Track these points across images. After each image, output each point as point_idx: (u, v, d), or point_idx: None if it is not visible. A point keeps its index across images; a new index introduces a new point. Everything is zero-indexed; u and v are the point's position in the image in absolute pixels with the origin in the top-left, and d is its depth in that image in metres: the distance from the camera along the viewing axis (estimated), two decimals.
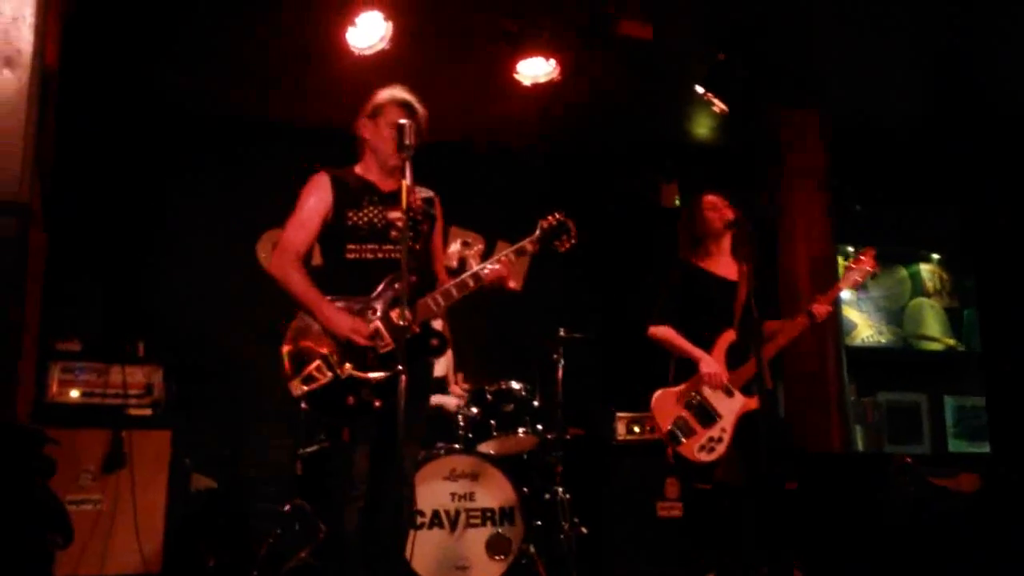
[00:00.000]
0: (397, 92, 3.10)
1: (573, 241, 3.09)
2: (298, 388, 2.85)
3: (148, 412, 4.13)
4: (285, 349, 2.91)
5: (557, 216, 3.10)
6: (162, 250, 5.74)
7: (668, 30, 4.90)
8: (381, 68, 4.62)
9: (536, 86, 5.17)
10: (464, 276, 2.98)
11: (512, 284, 3.09)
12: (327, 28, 4.75)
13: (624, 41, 4.88)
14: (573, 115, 5.90)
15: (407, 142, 2.74)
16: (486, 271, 2.97)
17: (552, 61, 5.08)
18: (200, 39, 5.05)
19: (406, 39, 4.77)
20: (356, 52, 4.78)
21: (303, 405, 2.94)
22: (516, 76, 5.13)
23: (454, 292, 2.95)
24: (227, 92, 5.70)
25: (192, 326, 5.46)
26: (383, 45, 4.75)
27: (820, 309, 3.66)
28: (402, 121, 2.80)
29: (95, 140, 5.46)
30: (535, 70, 5.12)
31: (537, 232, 3.09)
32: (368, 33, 4.75)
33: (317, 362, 2.87)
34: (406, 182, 2.72)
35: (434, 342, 2.99)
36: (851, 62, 5.44)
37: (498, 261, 2.99)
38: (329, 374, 2.86)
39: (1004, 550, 3.87)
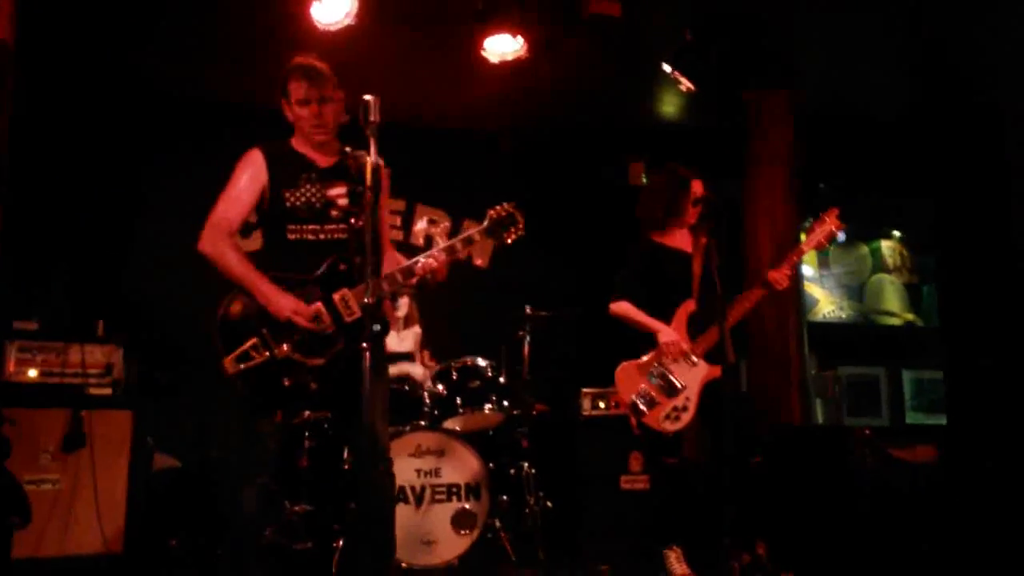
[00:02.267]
0: (297, 62, 2.95)
1: (520, 234, 3.00)
2: (232, 366, 2.77)
3: (108, 392, 4.07)
4: (219, 325, 2.82)
5: (506, 207, 3.00)
6: (127, 230, 5.66)
7: (636, 8, 4.89)
8: (348, 46, 4.57)
9: (503, 63, 5.13)
10: (407, 264, 2.88)
11: (479, 262, 3.05)
12: (293, 4, 4.68)
13: (592, 18, 4.86)
14: (540, 93, 5.87)
15: (371, 118, 2.64)
16: (419, 264, 2.86)
17: (519, 38, 5.04)
18: (165, 17, 4.96)
19: (372, 15, 4.71)
20: (321, 28, 4.72)
21: (238, 385, 2.82)
22: (483, 53, 5.10)
23: (398, 277, 2.86)
24: (193, 71, 5.61)
25: (155, 305, 5.39)
26: (348, 20, 4.69)
27: (775, 275, 3.66)
28: (367, 97, 2.74)
29: (60, 118, 5.35)
30: (502, 47, 5.08)
31: (485, 222, 2.99)
32: (333, 8, 4.69)
33: (253, 340, 2.78)
34: (370, 159, 2.62)
35: (375, 327, 2.92)
36: (822, 45, 5.47)
37: (431, 256, 2.88)
38: (265, 353, 2.77)
39: (959, 519, 3.97)
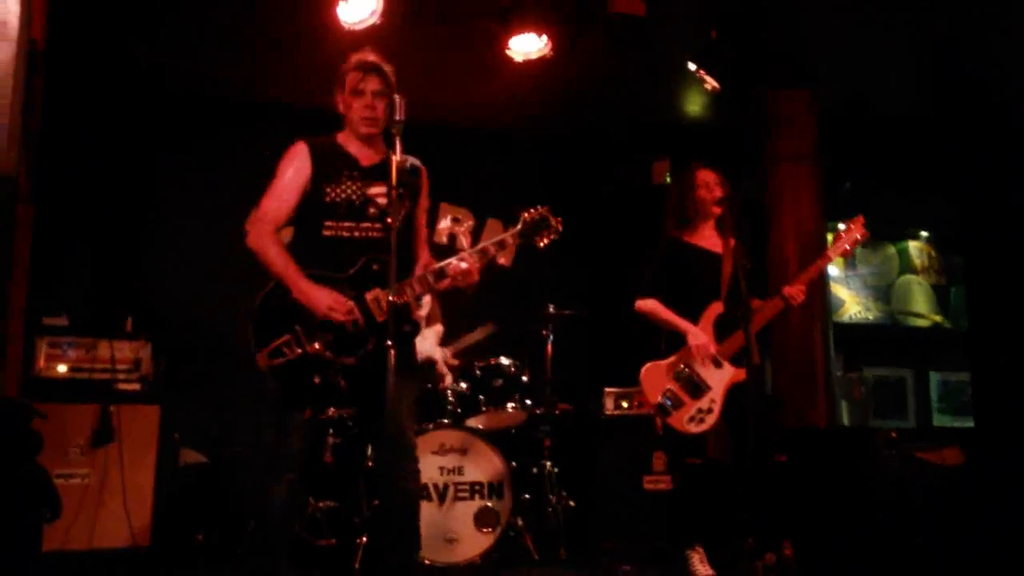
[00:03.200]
0: (359, 56, 2.98)
1: (554, 237, 2.96)
2: (264, 361, 2.76)
3: (136, 387, 4.13)
4: (254, 319, 2.81)
5: (540, 210, 2.95)
6: (152, 226, 5.73)
7: (661, 7, 4.88)
8: (372, 45, 4.58)
9: (528, 63, 5.13)
10: (439, 266, 2.87)
11: (503, 261, 3.03)
12: (318, 3, 4.71)
13: (617, 18, 4.85)
14: (565, 92, 5.88)
15: (397, 117, 2.68)
16: (450, 266, 2.85)
17: (544, 37, 5.05)
18: (190, 15, 5.00)
19: (397, 15, 4.73)
20: (347, 28, 4.74)
21: (270, 380, 2.81)
22: (508, 52, 5.10)
23: (430, 279, 2.86)
24: (217, 69, 5.66)
25: (182, 301, 5.45)
26: (374, 20, 4.71)
27: (792, 291, 3.64)
28: (396, 97, 2.76)
29: (85, 115, 5.43)
30: (527, 47, 5.09)
31: (519, 225, 2.96)
32: (359, 8, 4.71)
33: (286, 337, 2.78)
34: (396, 157, 2.66)
35: (406, 328, 2.89)
36: (844, 43, 5.42)
37: (462, 258, 2.86)
38: (298, 350, 2.77)
39: (986, 523, 3.92)
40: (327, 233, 2.89)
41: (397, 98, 2.73)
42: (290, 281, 2.80)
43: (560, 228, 2.97)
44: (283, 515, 2.87)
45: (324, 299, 2.77)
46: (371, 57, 2.97)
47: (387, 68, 2.96)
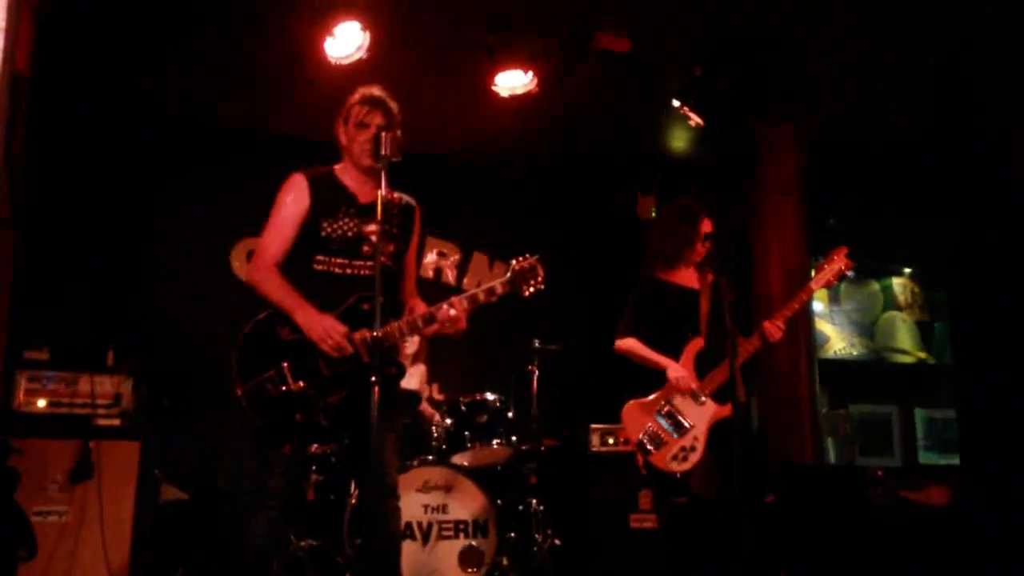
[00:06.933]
0: (366, 90, 3.00)
1: (539, 287, 2.93)
2: (246, 396, 2.75)
3: (116, 422, 4.07)
4: (239, 348, 2.80)
5: (529, 259, 2.91)
6: (138, 257, 5.70)
7: (646, 44, 4.94)
8: (360, 78, 4.59)
9: (513, 98, 5.19)
10: (428, 310, 2.86)
11: (463, 326, 2.96)
12: (306, 38, 4.76)
13: (602, 54, 4.91)
14: (551, 127, 5.92)
15: (383, 152, 2.68)
16: (440, 311, 2.83)
17: (530, 73, 5.11)
18: (180, 46, 5.03)
19: (384, 49, 4.78)
20: (334, 62, 4.80)
21: (250, 415, 2.80)
22: (494, 88, 5.15)
23: (419, 323, 2.85)
24: (207, 100, 5.69)
25: (167, 334, 5.40)
26: (360, 54, 4.78)
27: (770, 327, 3.59)
28: (380, 132, 2.77)
29: (70, 145, 5.40)
30: (513, 82, 5.15)
31: (508, 274, 2.93)
32: (346, 43, 4.76)
33: (270, 372, 2.76)
34: (381, 192, 2.65)
35: (392, 370, 2.88)
36: (831, 79, 5.49)
37: (452, 306, 2.83)
38: (282, 388, 2.75)
39: (974, 560, 3.91)
40: (318, 267, 2.89)
41: (384, 135, 2.73)
42: (292, 308, 2.79)
43: (544, 282, 2.93)
44: (262, 549, 2.82)
45: (320, 324, 2.75)
46: (377, 92, 2.98)
47: (392, 105, 2.97)
